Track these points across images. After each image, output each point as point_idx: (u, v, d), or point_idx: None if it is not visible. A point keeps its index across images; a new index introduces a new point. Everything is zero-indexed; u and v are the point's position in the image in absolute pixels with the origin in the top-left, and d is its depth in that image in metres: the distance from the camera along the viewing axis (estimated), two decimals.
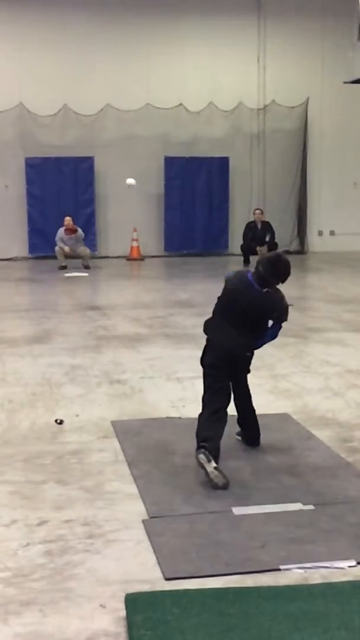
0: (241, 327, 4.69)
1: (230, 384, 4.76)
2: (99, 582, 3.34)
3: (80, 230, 15.98)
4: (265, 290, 4.68)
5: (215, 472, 4.31)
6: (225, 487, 4.30)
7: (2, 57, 17.68)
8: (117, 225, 18.38)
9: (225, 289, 4.85)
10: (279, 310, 4.80)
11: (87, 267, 15.69)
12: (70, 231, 15.81)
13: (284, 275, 4.65)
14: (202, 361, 4.79)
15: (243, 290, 4.72)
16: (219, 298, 4.88)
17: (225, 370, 4.70)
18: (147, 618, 2.99)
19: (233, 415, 4.89)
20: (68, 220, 15.86)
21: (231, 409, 4.78)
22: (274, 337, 4.93)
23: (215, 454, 4.39)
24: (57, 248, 15.90)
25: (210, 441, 4.41)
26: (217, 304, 4.87)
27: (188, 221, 18.64)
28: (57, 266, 15.79)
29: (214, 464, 4.33)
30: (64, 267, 15.70)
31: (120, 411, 5.89)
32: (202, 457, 4.36)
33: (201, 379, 6.59)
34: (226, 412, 4.63)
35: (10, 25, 17.60)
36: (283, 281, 4.68)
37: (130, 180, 16.02)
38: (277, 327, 4.90)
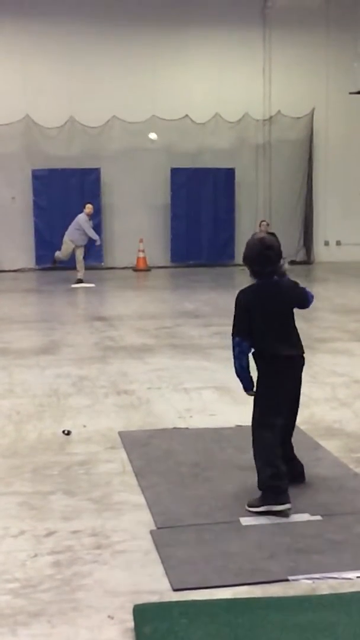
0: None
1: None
2: (107, 593, 3.33)
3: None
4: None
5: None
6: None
7: (9, 69, 17.81)
8: (124, 236, 18.46)
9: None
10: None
11: (79, 282, 15.32)
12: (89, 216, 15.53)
13: (245, 256, 4.34)
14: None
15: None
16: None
17: None
18: (155, 629, 2.98)
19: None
20: (90, 207, 15.52)
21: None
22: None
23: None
24: (67, 245, 15.52)
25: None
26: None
27: (194, 232, 18.69)
28: (61, 274, 15.70)
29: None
30: (54, 264, 15.73)
31: (128, 422, 5.89)
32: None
33: (208, 389, 6.63)
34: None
35: (17, 38, 17.74)
36: (248, 263, 4.37)
37: (153, 135, 17.84)
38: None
